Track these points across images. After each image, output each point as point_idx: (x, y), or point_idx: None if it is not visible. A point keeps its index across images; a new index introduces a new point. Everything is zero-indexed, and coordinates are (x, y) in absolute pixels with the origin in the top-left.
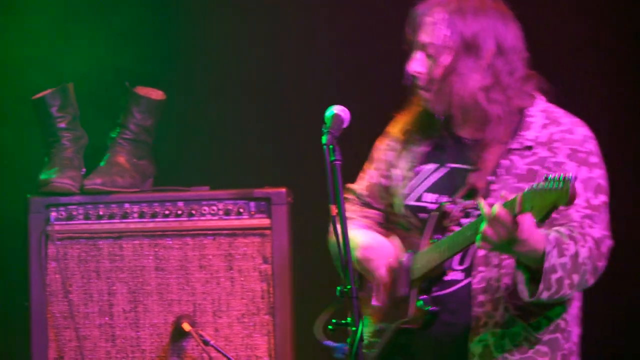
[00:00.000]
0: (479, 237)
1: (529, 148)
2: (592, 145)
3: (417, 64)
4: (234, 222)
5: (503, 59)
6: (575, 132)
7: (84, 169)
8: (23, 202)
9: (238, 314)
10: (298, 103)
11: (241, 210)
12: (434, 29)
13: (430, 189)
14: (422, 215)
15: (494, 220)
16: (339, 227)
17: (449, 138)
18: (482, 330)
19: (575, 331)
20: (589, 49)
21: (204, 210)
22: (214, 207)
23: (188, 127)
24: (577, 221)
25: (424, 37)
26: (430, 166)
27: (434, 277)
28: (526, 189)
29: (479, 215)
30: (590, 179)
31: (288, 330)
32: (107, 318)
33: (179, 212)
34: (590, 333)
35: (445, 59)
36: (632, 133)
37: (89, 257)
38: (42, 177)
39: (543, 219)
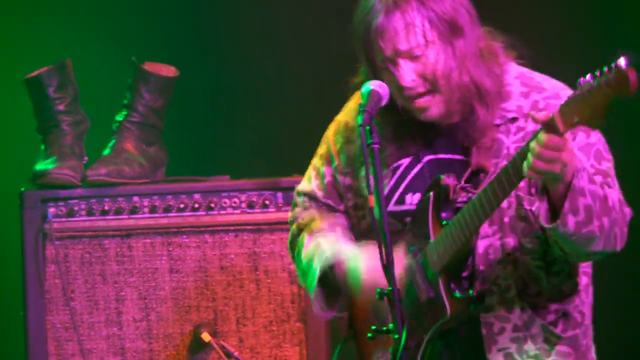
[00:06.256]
0: (526, 168)
1: (514, 120)
2: None
3: (407, 74)
4: (258, 216)
5: (477, 27)
6: (562, 96)
7: (86, 158)
8: (16, 196)
9: (265, 322)
10: (327, 86)
11: (267, 202)
12: (409, 30)
13: (411, 188)
14: (408, 219)
15: (543, 148)
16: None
17: (416, 126)
18: (498, 337)
19: (590, 325)
20: None
21: (225, 203)
22: (236, 200)
23: (204, 109)
24: None
25: (403, 44)
26: (405, 160)
27: (461, 259)
28: (564, 102)
29: (492, 176)
30: (588, 144)
31: (322, 340)
32: (115, 328)
33: (196, 205)
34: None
35: (437, 54)
36: None
37: (93, 259)
38: (38, 167)
39: (601, 124)
